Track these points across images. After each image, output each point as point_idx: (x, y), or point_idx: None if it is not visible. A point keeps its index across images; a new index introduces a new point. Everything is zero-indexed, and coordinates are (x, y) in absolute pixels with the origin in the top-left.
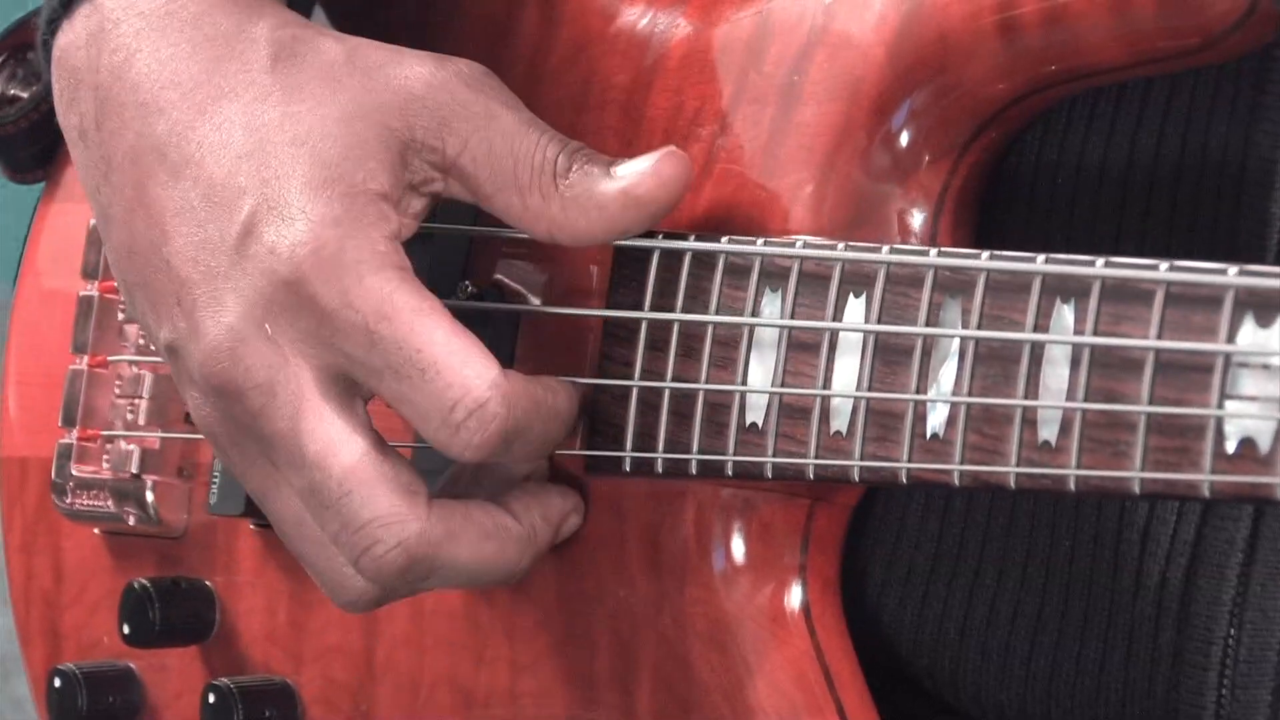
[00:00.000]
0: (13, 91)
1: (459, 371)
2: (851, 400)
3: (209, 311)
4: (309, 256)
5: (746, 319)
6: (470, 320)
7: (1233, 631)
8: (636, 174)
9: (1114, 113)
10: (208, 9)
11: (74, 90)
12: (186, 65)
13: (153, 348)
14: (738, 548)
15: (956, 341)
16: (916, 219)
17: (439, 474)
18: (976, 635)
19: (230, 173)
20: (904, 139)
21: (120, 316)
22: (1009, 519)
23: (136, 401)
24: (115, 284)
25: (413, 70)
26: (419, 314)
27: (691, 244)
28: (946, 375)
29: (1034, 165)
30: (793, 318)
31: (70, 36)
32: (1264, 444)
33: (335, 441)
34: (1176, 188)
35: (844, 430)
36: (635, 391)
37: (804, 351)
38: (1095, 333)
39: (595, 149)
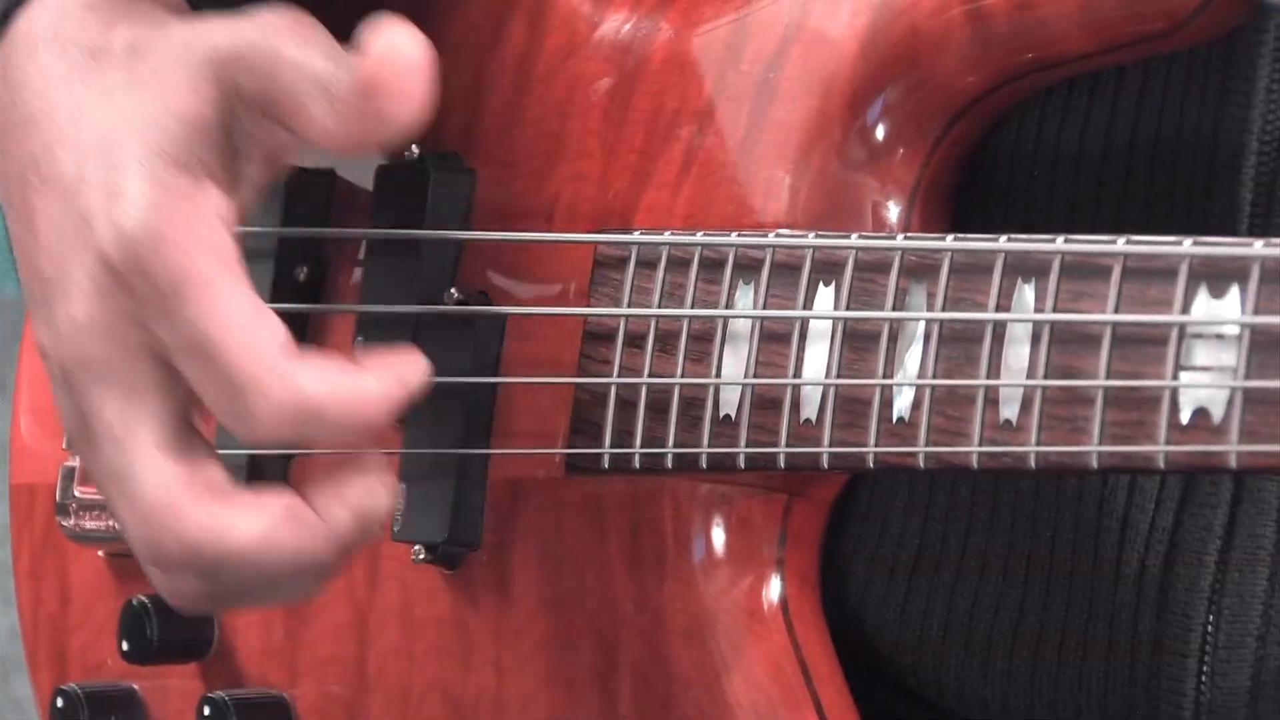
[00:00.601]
0: None
1: (244, 356)
2: (821, 388)
3: (60, 301)
4: (122, 238)
5: (720, 312)
6: (458, 325)
7: (1211, 618)
8: (366, 64)
9: (1088, 102)
10: (81, 24)
11: None
12: (59, 75)
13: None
14: (716, 542)
15: (921, 325)
16: (891, 211)
17: None
18: (959, 631)
19: (77, 168)
20: (878, 133)
21: None
22: (990, 514)
23: None
24: None
25: (225, 28)
26: (220, 296)
27: (667, 238)
28: (912, 359)
29: (1010, 156)
30: (765, 309)
31: None
32: (1217, 413)
33: (130, 416)
34: (1151, 175)
35: (813, 418)
36: (613, 389)
37: (775, 342)
38: (1055, 310)
39: (580, 154)
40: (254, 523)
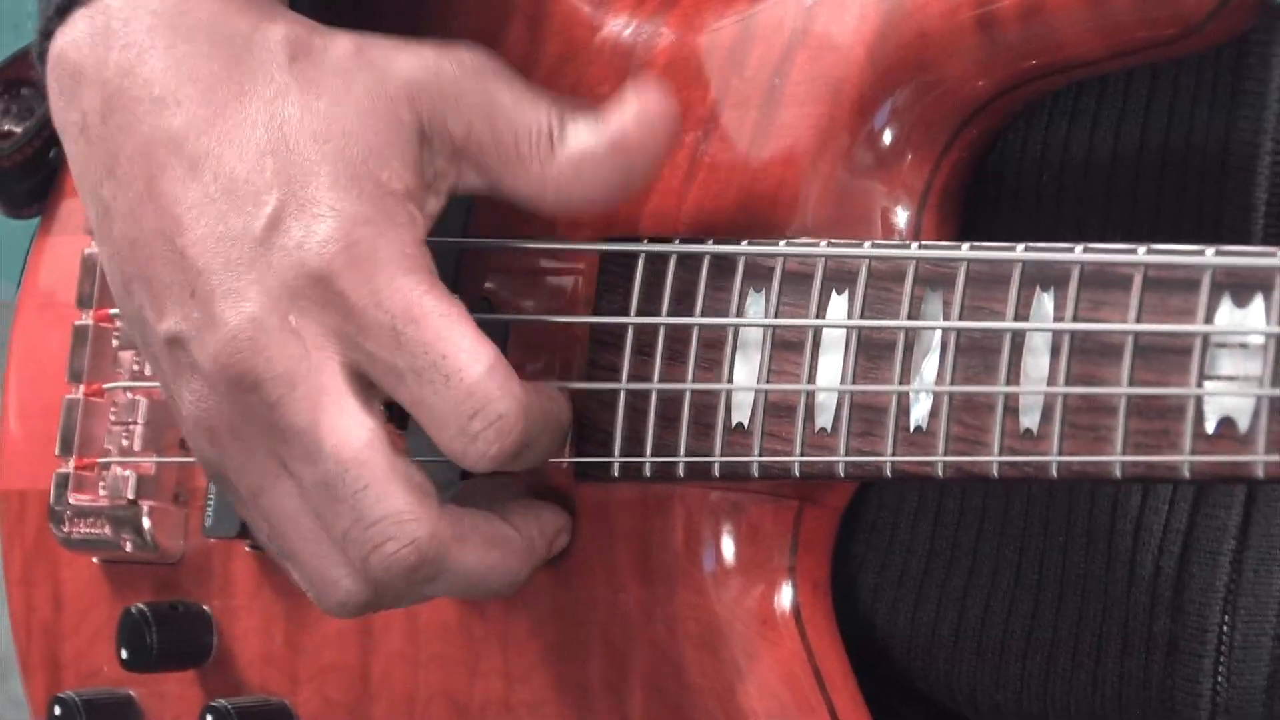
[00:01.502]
0: (7, 127)
1: (481, 381)
2: (835, 396)
3: (228, 301)
4: (341, 253)
5: (731, 320)
6: None
7: (1227, 618)
8: (620, 121)
9: (1097, 105)
10: (222, 10)
11: (75, 88)
12: (204, 64)
13: (142, 355)
14: (727, 550)
15: (938, 334)
16: (901, 217)
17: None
18: (971, 636)
19: (253, 168)
20: (886, 138)
21: (115, 344)
22: (1002, 518)
23: (132, 427)
24: (109, 283)
25: (416, 57)
26: (446, 320)
27: (676, 247)
28: (929, 368)
29: (1019, 160)
30: (777, 317)
31: (69, 37)
32: (1243, 423)
33: (354, 437)
34: (1161, 178)
35: (829, 427)
36: (622, 396)
37: (788, 350)
38: (1075, 319)
39: None
40: (470, 534)
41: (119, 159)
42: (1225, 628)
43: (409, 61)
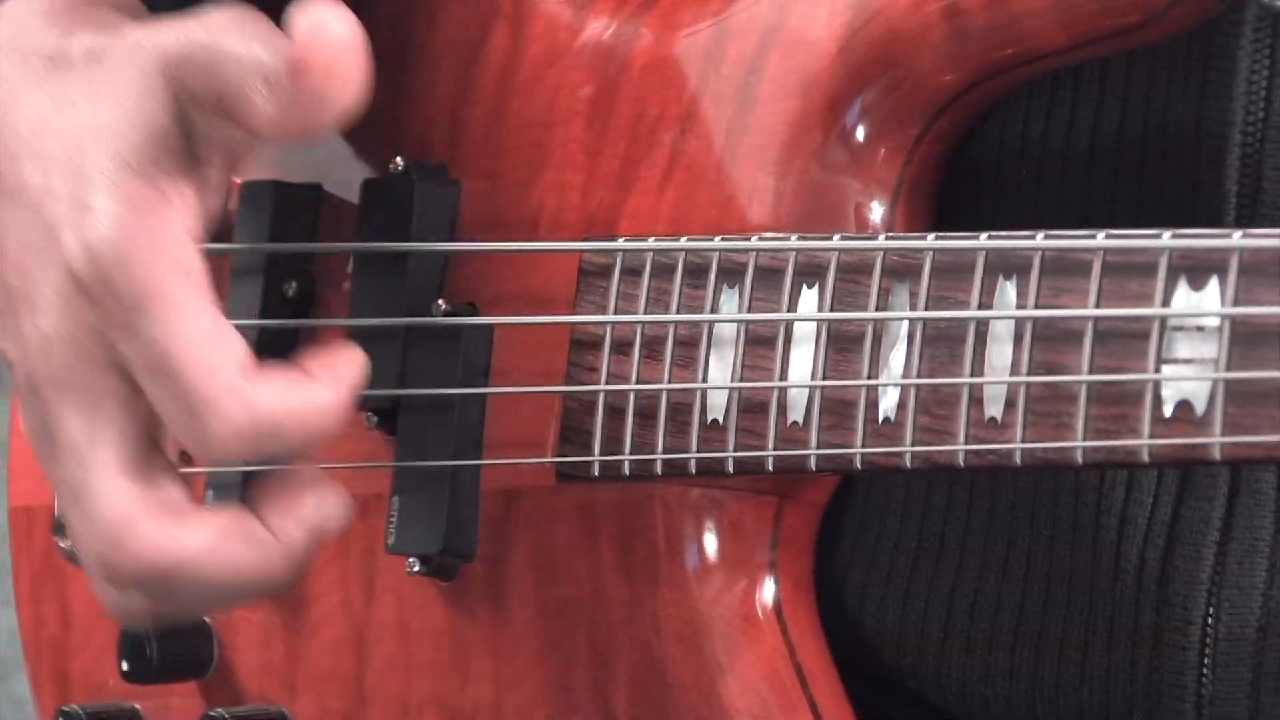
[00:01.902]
0: None
1: (201, 376)
2: (807, 390)
3: (26, 313)
4: (89, 253)
5: (705, 316)
6: (446, 337)
7: (1211, 610)
8: (294, 43)
9: (1072, 98)
10: (40, 31)
11: None
12: (14, 89)
13: None
14: (708, 546)
15: (905, 325)
16: (875, 211)
17: None
18: (959, 632)
19: (43, 180)
20: (859, 133)
21: None
22: (988, 514)
23: None
24: None
25: (168, 30)
26: (175, 307)
27: (651, 245)
28: (896, 359)
29: (996, 154)
30: (750, 313)
31: None
32: (1199, 406)
33: (93, 432)
34: (1137, 168)
35: (800, 420)
36: (602, 397)
37: (761, 346)
38: (1036, 307)
39: (563, 163)
40: (205, 540)
41: None
42: (1210, 620)
43: (165, 33)
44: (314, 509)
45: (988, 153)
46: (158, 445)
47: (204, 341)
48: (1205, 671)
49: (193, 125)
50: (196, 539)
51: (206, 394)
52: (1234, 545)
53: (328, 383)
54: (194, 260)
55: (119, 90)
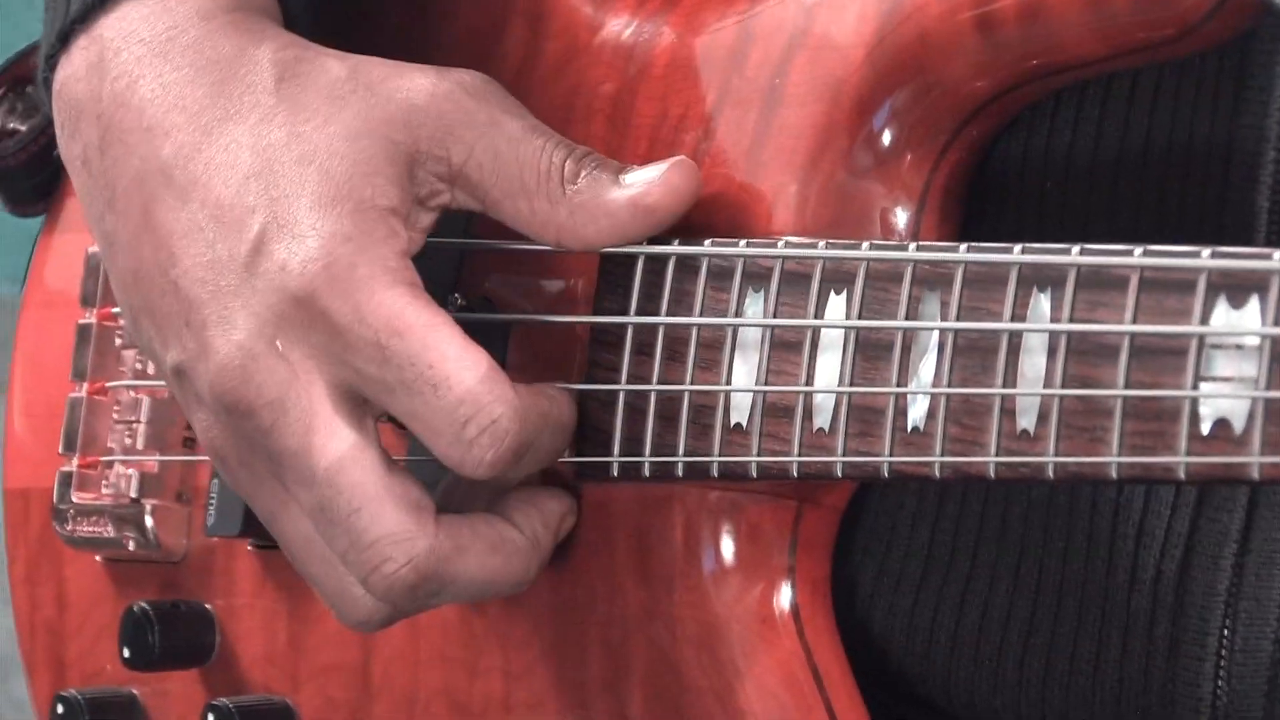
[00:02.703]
0: (12, 125)
1: (471, 387)
2: (834, 397)
3: (219, 330)
4: (321, 272)
5: (729, 320)
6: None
7: (1228, 622)
8: (645, 182)
9: (1101, 111)
10: (209, 33)
11: (76, 121)
12: (190, 89)
13: (154, 373)
14: (726, 549)
15: (935, 334)
16: (900, 217)
17: (435, 485)
18: (968, 642)
19: (238, 192)
20: (886, 138)
21: (118, 342)
22: (1001, 523)
23: (135, 425)
24: (119, 312)
25: (415, 82)
26: (431, 329)
27: (675, 248)
28: (926, 368)
29: (1022, 165)
30: (775, 317)
31: (69, 69)
32: (1238, 424)
33: (345, 458)
34: (1164, 182)
35: (826, 427)
36: (622, 396)
37: (787, 350)
38: (1071, 320)
39: None
40: (477, 545)
41: (117, 191)
42: (1226, 631)
43: (406, 84)
44: (556, 508)
45: (1014, 163)
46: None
47: (471, 357)
48: (1220, 683)
49: (421, 173)
50: (467, 543)
51: (477, 399)
52: (1252, 557)
53: (560, 396)
54: (420, 282)
55: (340, 115)
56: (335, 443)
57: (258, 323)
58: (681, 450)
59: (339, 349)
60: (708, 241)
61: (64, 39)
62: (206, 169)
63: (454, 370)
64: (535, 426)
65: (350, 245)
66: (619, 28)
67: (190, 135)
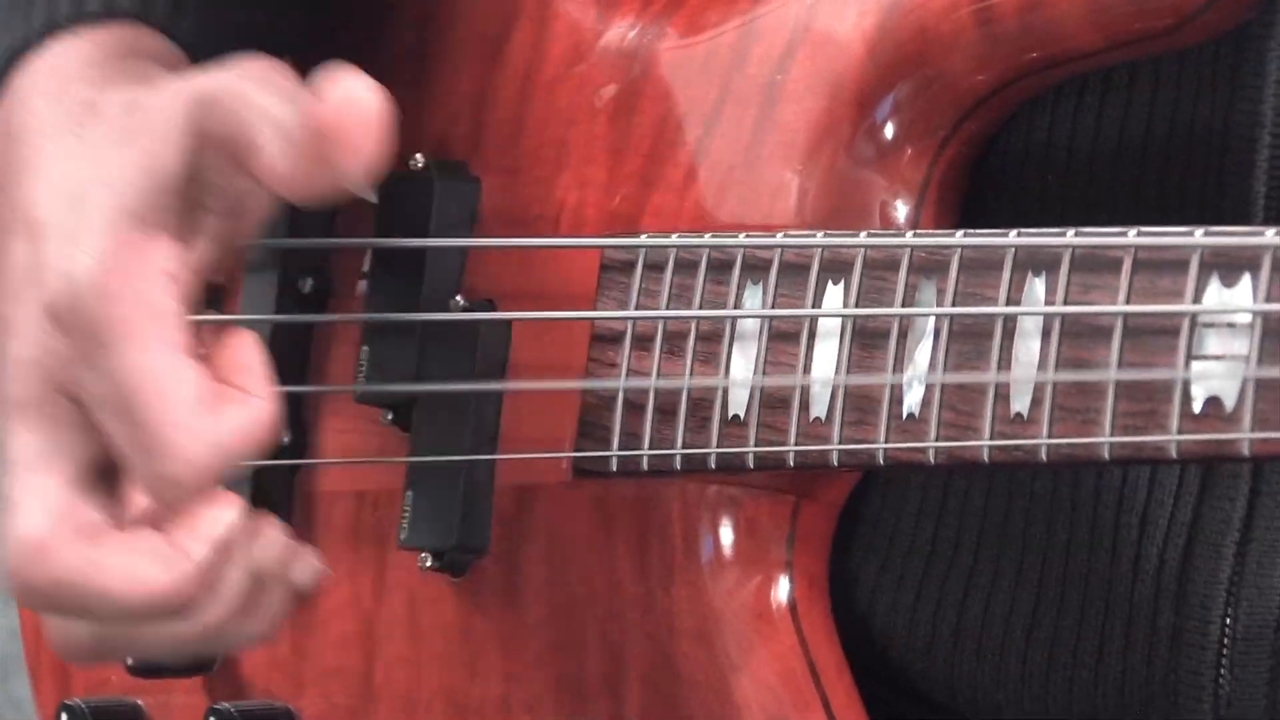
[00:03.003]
0: None
1: (156, 413)
2: (830, 386)
3: (7, 339)
4: (72, 285)
5: (728, 312)
6: (464, 333)
7: (1230, 610)
8: (316, 104)
9: (1100, 102)
10: (73, 84)
11: None
12: (43, 138)
13: None
14: (724, 543)
15: (931, 321)
16: (900, 211)
17: None
18: (971, 636)
19: (46, 211)
20: (886, 132)
21: None
22: (1003, 517)
23: None
24: None
25: (188, 79)
26: (139, 347)
27: (674, 240)
28: (922, 355)
29: (1022, 157)
30: (773, 308)
31: None
32: (1229, 402)
33: (36, 457)
34: (1163, 171)
35: (823, 416)
36: (621, 392)
37: (784, 341)
38: (1065, 303)
39: (586, 161)
40: (112, 558)
41: None
42: (1228, 620)
43: (198, 80)
44: (212, 523)
45: (1014, 155)
46: (100, 480)
47: (160, 379)
48: (1223, 671)
49: (204, 171)
50: (103, 556)
51: (162, 435)
52: (1254, 545)
53: (258, 389)
54: (166, 301)
55: (142, 136)
56: (32, 440)
57: (26, 331)
58: (679, 444)
59: (74, 360)
60: (707, 235)
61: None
62: (40, 195)
63: (146, 398)
64: (226, 455)
65: (109, 261)
66: (623, 29)
67: (39, 170)
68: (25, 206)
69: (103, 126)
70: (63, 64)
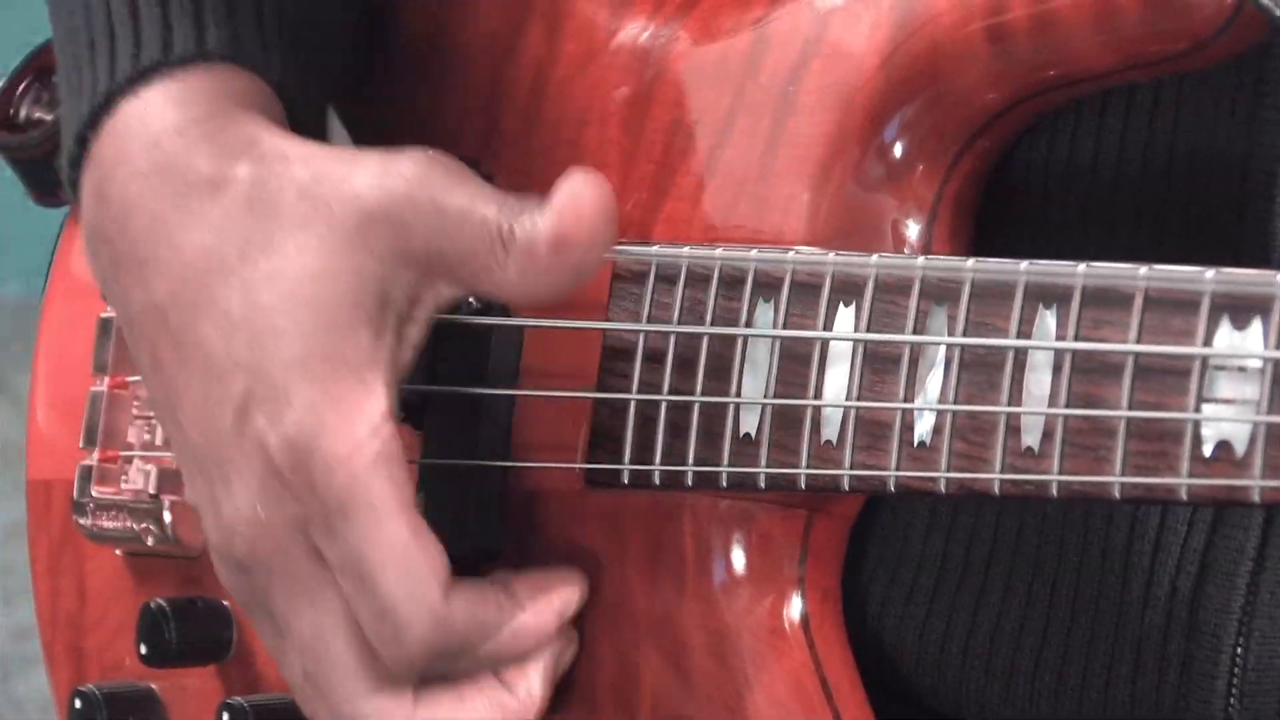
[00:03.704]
0: (37, 115)
1: (399, 590)
2: (841, 409)
3: (222, 489)
4: (289, 446)
5: (739, 330)
6: (475, 336)
7: (1241, 640)
8: (556, 219)
9: (1124, 123)
10: (185, 150)
11: (92, 242)
12: (174, 219)
13: None
14: (736, 559)
15: (942, 349)
16: (911, 229)
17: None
18: (980, 654)
19: (225, 346)
20: (897, 149)
21: None
22: (1015, 536)
23: (154, 421)
24: None
25: (363, 186)
26: (375, 514)
27: (686, 253)
28: (933, 383)
29: (1042, 178)
30: (785, 328)
31: (86, 188)
32: (1240, 447)
33: (324, 631)
34: (1186, 197)
35: (834, 439)
36: (633, 405)
37: (795, 361)
38: (1077, 338)
39: (598, 164)
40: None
41: (130, 320)
42: (1240, 650)
43: (356, 192)
44: (552, 663)
45: (1034, 174)
46: None
47: (404, 555)
48: (1233, 701)
49: (397, 285)
50: (451, 713)
51: (403, 613)
52: (1267, 575)
53: (535, 608)
54: (395, 454)
55: (310, 252)
56: (313, 613)
57: (245, 489)
58: (691, 459)
59: (304, 521)
60: (719, 249)
61: (81, 143)
62: (195, 312)
63: (382, 564)
64: (461, 634)
65: (315, 417)
66: (635, 31)
67: (178, 273)
68: (179, 325)
69: (242, 224)
70: (157, 125)
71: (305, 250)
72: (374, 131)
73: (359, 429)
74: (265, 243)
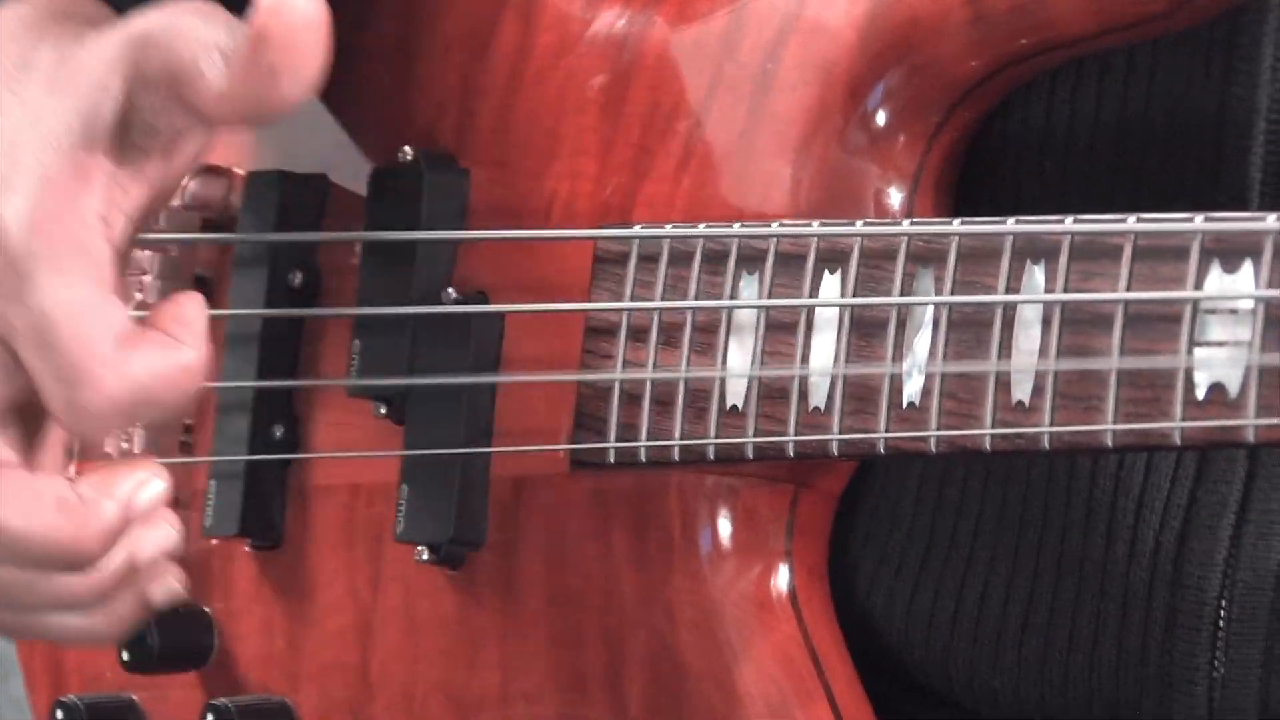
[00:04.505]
0: None
1: (78, 346)
2: (829, 376)
3: None
4: (3, 227)
5: (724, 302)
6: (456, 326)
7: (1225, 593)
8: (257, 13)
9: (1098, 88)
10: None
11: None
12: None
13: None
14: (723, 534)
15: (930, 310)
16: (894, 198)
17: None
18: (968, 624)
19: None
20: (878, 120)
21: None
22: (1001, 504)
23: (131, 431)
24: None
25: (115, 26)
26: (60, 280)
27: (668, 231)
28: (921, 344)
29: (1019, 143)
30: (770, 299)
31: None
32: (1233, 388)
33: None
34: (1162, 159)
35: (822, 406)
36: (617, 384)
37: (782, 331)
38: (1065, 291)
39: (576, 151)
40: (18, 499)
41: None
42: (1223, 602)
43: (128, 23)
44: (132, 487)
45: (1012, 140)
46: (17, 422)
47: (82, 311)
48: (1218, 653)
49: (139, 112)
50: (4, 490)
51: (81, 364)
52: (1250, 528)
53: (190, 340)
54: (94, 240)
55: (72, 81)
56: None
57: None
58: (678, 435)
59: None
60: (701, 226)
61: None
62: None
63: (66, 330)
64: (146, 394)
65: (40, 201)
66: (611, 18)
67: None
68: None
69: (36, 78)
70: (1, 27)
71: (67, 81)
72: (352, 124)
73: (67, 215)
74: (45, 86)
